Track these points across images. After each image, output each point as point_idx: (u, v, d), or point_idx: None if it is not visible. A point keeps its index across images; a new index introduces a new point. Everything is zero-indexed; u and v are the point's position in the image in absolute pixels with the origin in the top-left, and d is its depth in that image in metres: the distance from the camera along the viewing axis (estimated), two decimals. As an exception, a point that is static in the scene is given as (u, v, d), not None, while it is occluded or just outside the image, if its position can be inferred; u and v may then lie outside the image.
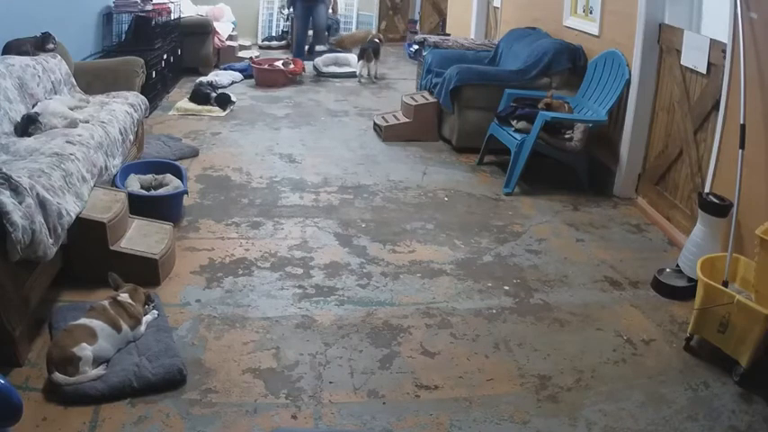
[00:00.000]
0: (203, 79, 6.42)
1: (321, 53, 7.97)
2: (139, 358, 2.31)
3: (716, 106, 3.19)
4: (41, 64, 3.73)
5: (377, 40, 7.49)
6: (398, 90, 6.79)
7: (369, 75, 7.37)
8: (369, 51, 7.24)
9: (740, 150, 2.68)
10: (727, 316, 2.37)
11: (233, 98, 6.00)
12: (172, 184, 3.56)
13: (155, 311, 2.58)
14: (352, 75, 7.47)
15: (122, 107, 3.82)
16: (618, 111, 4.11)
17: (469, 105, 4.82)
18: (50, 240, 2.39)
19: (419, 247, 3.37)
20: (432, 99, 5.18)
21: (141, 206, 3.20)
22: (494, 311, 2.81)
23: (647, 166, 4.00)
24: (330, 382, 2.31)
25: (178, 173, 3.65)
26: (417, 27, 9.95)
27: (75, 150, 2.95)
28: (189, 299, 2.79)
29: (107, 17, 5.85)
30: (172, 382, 2.22)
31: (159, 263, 2.87)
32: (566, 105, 4.30)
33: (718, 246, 2.89)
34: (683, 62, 3.52)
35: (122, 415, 2.09)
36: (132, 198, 3.17)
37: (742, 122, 2.69)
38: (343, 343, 2.54)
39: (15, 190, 2.26)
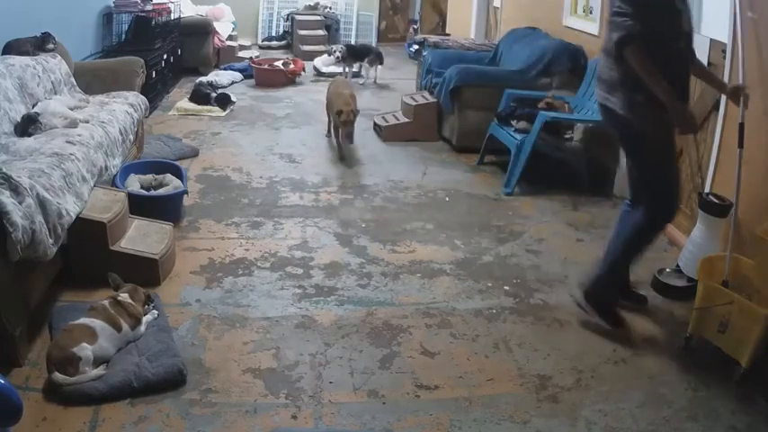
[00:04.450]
0: (203, 79, 6.43)
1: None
2: (139, 358, 2.31)
3: (716, 106, 3.19)
4: (41, 64, 3.72)
5: (380, 51, 7.49)
6: (398, 90, 6.79)
7: (368, 77, 7.43)
8: (373, 57, 7.35)
9: (739, 149, 2.68)
10: (727, 316, 2.37)
11: (233, 98, 6.01)
12: (172, 184, 3.56)
13: (155, 311, 2.58)
14: (352, 75, 7.47)
15: (122, 107, 3.82)
16: (618, 111, 4.10)
17: (469, 105, 4.82)
18: (50, 240, 2.39)
19: (419, 247, 3.37)
20: (432, 99, 5.18)
21: (141, 206, 3.20)
22: (494, 311, 2.81)
23: (647, 166, 3.99)
24: (330, 382, 2.31)
25: (178, 173, 3.65)
26: (417, 27, 9.94)
27: (75, 150, 2.95)
28: (189, 299, 2.79)
29: (107, 17, 5.85)
30: (172, 382, 2.22)
31: (159, 263, 2.87)
32: (566, 105, 4.30)
33: (718, 246, 2.89)
34: (683, 62, 3.52)
35: (122, 415, 2.09)
36: (132, 198, 3.17)
37: (741, 121, 2.69)
38: (343, 343, 2.54)
39: (15, 190, 2.26)
